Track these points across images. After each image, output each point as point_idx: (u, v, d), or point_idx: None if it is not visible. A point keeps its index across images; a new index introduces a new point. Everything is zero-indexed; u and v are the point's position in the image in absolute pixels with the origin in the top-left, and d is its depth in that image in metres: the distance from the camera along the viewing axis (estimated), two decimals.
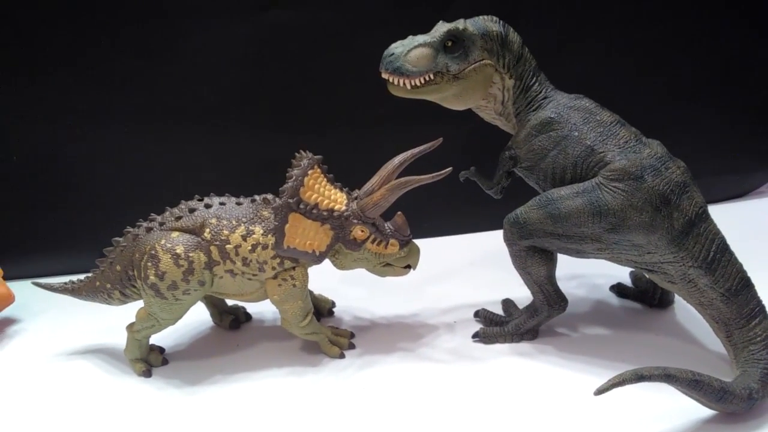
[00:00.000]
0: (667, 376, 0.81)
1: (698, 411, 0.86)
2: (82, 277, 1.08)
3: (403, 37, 0.99)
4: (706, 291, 0.92)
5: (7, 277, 1.26)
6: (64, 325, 1.19)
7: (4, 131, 1.34)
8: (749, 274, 0.93)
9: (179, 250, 0.97)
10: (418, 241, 1.05)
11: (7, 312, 1.24)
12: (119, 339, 1.05)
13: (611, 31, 1.45)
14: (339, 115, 1.43)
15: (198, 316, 1.15)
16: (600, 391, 0.79)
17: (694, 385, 0.81)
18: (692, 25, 1.48)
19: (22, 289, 1.23)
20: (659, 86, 1.50)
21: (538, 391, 0.94)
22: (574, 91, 1.03)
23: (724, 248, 0.93)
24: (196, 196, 1.04)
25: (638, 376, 0.80)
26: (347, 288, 1.25)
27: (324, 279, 1.17)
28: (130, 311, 1.04)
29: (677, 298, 1.12)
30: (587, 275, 1.26)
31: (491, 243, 1.15)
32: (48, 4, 1.27)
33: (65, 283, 1.09)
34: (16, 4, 1.26)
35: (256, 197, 1.03)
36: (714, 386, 0.82)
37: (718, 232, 0.93)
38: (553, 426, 0.88)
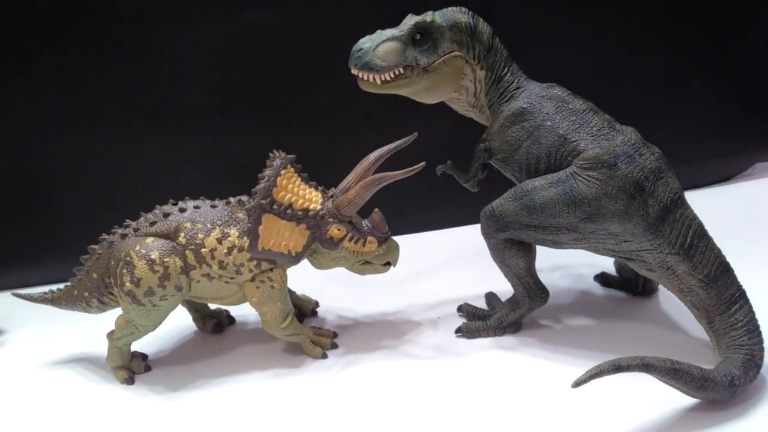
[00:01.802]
0: (645, 366, 0.80)
1: (681, 399, 0.85)
2: (61, 286, 1.07)
3: None
4: (684, 278, 0.91)
5: None
6: (46, 334, 1.19)
7: None
8: (734, 258, 0.91)
9: (154, 255, 0.96)
10: (397, 238, 1.04)
11: None
12: (102, 347, 1.05)
13: (588, 18, 1.43)
14: (319, 113, 1.42)
15: (181, 321, 1.14)
16: (577, 384, 0.78)
17: (673, 373, 0.80)
18: (673, 9, 1.46)
19: (3, 300, 1.22)
20: (640, 72, 1.49)
21: (521, 385, 0.94)
22: (550, 81, 1.02)
23: (701, 234, 0.91)
24: (171, 200, 1.03)
25: (616, 367, 0.79)
26: (331, 287, 1.24)
27: (308, 279, 1.16)
28: (112, 319, 1.03)
29: (661, 286, 1.11)
30: (571, 265, 1.25)
31: (472, 237, 1.14)
32: (25, 9, 1.26)
33: (45, 293, 1.08)
34: None
35: (231, 199, 1.02)
36: (694, 374, 0.81)
37: (695, 218, 0.92)
38: (537, 418, 0.87)
